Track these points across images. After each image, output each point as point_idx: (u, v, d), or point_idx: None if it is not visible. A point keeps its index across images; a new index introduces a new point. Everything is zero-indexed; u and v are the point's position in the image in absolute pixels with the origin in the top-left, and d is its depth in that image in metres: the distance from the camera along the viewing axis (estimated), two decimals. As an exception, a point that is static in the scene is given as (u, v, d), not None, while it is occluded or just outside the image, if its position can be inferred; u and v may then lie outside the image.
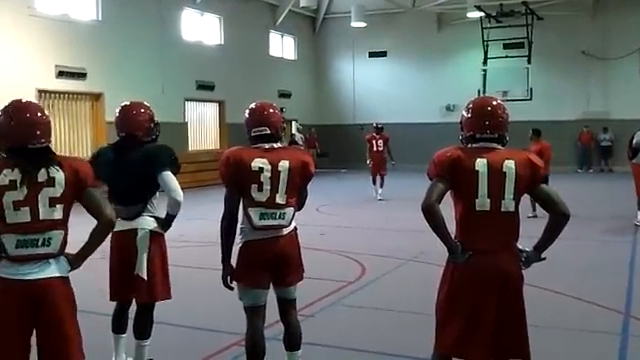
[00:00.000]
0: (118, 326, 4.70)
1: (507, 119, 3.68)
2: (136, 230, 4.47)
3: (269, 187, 4.00)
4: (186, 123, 21.39)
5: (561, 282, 7.26)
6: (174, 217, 4.57)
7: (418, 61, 27.41)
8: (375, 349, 5.38)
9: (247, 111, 4.23)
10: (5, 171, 3.22)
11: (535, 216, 8.71)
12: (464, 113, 3.74)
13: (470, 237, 3.55)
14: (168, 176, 4.47)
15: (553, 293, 6.93)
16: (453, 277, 3.60)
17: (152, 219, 4.54)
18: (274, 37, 26.89)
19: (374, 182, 16.63)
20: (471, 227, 3.55)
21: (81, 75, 17.27)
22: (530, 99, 22.76)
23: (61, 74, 16.74)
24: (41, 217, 3.25)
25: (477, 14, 23.56)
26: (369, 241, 10.54)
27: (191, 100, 21.87)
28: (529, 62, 23.09)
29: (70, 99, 17.34)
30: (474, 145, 3.64)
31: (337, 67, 29.46)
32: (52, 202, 3.27)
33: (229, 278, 4.10)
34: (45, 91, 16.41)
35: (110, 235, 4.37)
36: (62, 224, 3.31)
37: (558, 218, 3.56)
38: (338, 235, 11.18)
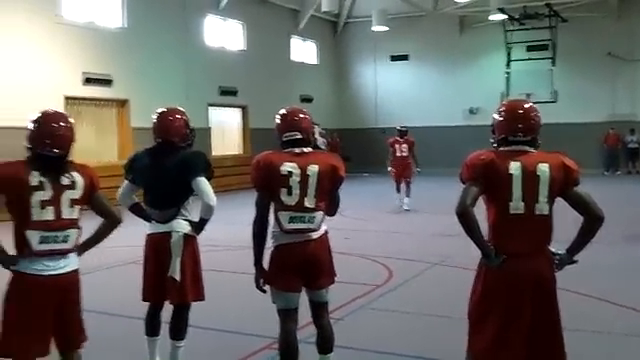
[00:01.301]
0: (151, 329, 4.78)
1: (539, 122, 3.68)
2: (170, 233, 4.57)
3: (298, 191, 4.04)
4: (209, 128, 21.53)
5: (590, 285, 7.20)
6: (207, 221, 4.64)
7: (440, 64, 27.34)
8: (405, 352, 5.39)
9: (278, 116, 4.27)
10: (34, 173, 3.58)
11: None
12: (496, 116, 3.73)
13: (504, 240, 3.54)
14: (202, 182, 4.55)
15: (582, 296, 6.88)
16: (486, 280, 3.59)
17: (186, 222, 4.63)
18: (296, 42, 27.00)
19: (398, 190, 15.03)
20: (505, 230, 3.54)
21: (107, 82, 17.49)
22: (555, 101, 22.60)
23: (88, 81, 16.98)
24: (63, 216, 3.63)
25: (500, 16, 23.46)
26: (395, 245, 10.54)
27: (214, 105, 22.02)
28: (553, 64, 22.96)
29: (96, 105, 17.56)
30: (506, 148, 3.62)
31: (359, 71, 29.48)
32: (72, 203, 3.68)
33: (262, 281, 4.15)
34: (72, 98, 16.63)
35: (145, 238, 4.58)
36: (78, 223, 3.74)
37: (592, 221, 3.53)
38: (363, 239, 11.19)
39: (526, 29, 23.44)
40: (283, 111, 4.30)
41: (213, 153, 21.53)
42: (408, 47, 27.95)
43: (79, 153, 17.96)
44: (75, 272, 3.74)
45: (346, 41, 29.57)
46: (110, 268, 8.76)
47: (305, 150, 4.16)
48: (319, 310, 4.29)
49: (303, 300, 4.25)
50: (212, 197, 4.54)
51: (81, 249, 3.80)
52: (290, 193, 4.03)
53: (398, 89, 28.06)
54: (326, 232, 4.23)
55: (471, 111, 26.74)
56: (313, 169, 4.06)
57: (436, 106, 27.01)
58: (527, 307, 3.48)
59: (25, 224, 3.56)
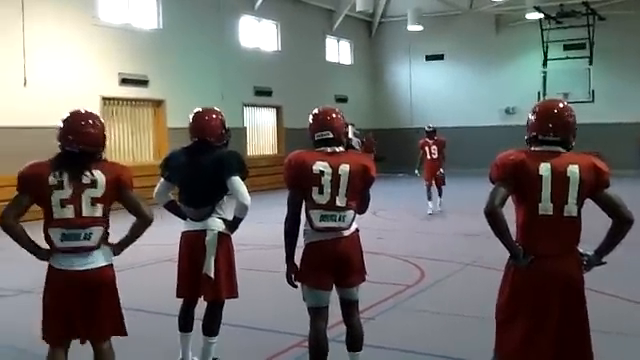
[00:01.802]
0: (185, 324, 4.84)
1: (572, 122, 3.64)
2: (205, 231, 4.63)
3: (329, 190, 4.09)
4: (245, 128, 21.69)
5: (619, 286, 7.10)
6: (241, 220, 4.70)
7: (476, 64, 27.13)
8: (435, 352, 5.39)
9: (311, 116, 4.32)
10: (54, 172, 3.69)
11: None
12: (530, 114, 3.72)
13: (532, 241, 3.53)
14: (237, 181, 4.61)
15: (610, 297, 6.79)
16: (514, 280, 3.59)
17: (220, 221, 4.70)
18: (330, 42, 27.03)
19: (429, 197, 14.01)
20: (533, 231, 3.53)
21: (143, 82, 17.73)
22: (592, 101, 22.28)
23: (124, 81, 17.22)
24: (83, 214, 3.70)
25: (536, 15, 23.22)
26: (427, 245, 10.51)
27: (249, 106, 22.17)
28: (590, 63, 22.64)
29: (133, 106, 17.81)
30: (537, 148, 3.61)
31: (393, 71, 29.39)
32: (93, 201, 3.73)
33: (293, 277, 4.21)
34: (109, 98, 16.90)
35: (180, 235, 4.67)
36: (102, 221, 3.78)
37: (621, 224, 3.52)
38: (396, 239, 11.19)
39: (563, 27, 23.16)
40: (316, 111, 4.35)
41: (248, 153, 21.69)
42: (443, 46, 27.78)
43: (115, 152, 18.30)
44: (105, 268, 3.82)
45: (381, 41, 29.50)
46: (145, 266, 8.90)
47: (337, 149, 4.20)
48: (349, 308, 4.31)
49: (334, 298, 4.28)
50: (246, 196, 4.60)
51: (117, 248, 3.90)
52: (322, 192, 4.08)
53: (433, 89, 27.92)
54: (357, 230, 4.26)
55: (507, 111, 26.47)
56: (344, 168, 4.10)
57: (472, 106, 26.81)
58: (555, 307, 3.47)
59: (48, 222, 3.71)
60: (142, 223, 3.88)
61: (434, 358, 5.33)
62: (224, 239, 4.70)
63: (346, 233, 4.16)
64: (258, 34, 22.78)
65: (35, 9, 14.95)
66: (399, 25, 27.52)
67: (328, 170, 4.08)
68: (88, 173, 3.71)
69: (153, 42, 18.21)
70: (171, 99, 18.27)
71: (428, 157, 14.19)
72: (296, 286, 4.27)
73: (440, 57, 28.14)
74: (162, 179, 4.87)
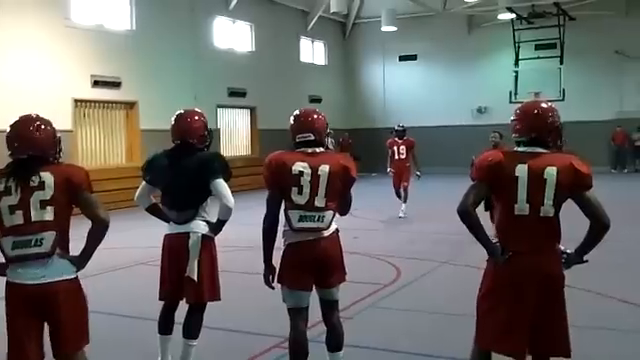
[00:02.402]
0: (164, 327, 4.81)
1: (552, 123, 3.68)
2: (188, 234, 4.61)
3: (309, 190, 4.09)
4: (218, 129, 21.60)
5: (600, 283, 7.20)
6: (225, 222, 4.70)
7: (449, 64, 27.33)
8: (414, 350, 5.42)
9: (292, 117, 4.31)
10: (2, 179, 3.56)
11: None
12: (512, 116, 3.78)
13: (509, 239, 3.61)
14: (220, 183, 4.60)
15: (594, 294, 6.90)
16: (493, 275, 3.67)
17: (204, 223, 4.67)
18: (305, 43, 27.04)
19: (398, 195, 13.72)
20: (510, 230, 3.61)
21: (116, 84, 17.56)
22: (563, 100, 22.54)
23: (96, 83, 17.04)
24: (33, 219, 3.51)
25: (508, 16, 23.43)
26: (403, 244, 10.57)
27: (223, 107, 22.08)
28: (561, 63, 22.91)
29: (105, 108, 17.64)
30: (519, 149, 3.68)
31: (367, 71, 29.50)
32: (42, 204, 3.52)
33: (271, 278, 4.20)
34: (81, 100, 16.73)
35: (163, 238, 4.64)
36: (54, 226, 3.54)
37: (598, 228, 3.56)
38: (372, 238, 11.22)
39: (534, 28, 23.42)
40: (297, 112, 4.35)
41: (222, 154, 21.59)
42: (416, 47, 27.94)
43: (87, 155, 18.11)
44: (61, 283, 3.54)
45: (355, 41, 29.60)
46: (121, 269, 8.82)
47: (317, 150, 4.21)
48: (329, 308, 4.32)
49: (313, 298, 4.29)
50: (230, 198, 4.59)
51: (78, 260, 3.62)
52: (301, 192, 4.08)
53: (406, 89, 28.05)
54: (337, 231, 4.27)
55: (479, 110, 26.73)
56: (324, 169, 4.11)
57: (444, 106, 26.99)
58: (531, 301, 3.54)
59: (1, 231, 3.56)
60: (97, 228, 3.57)
61: (413, 356, 5.36)
62: (207, 242, 4.67)
63: (325, 233, 4.17)
64: (232, 35, 22.71)
65: (5, 10, 14.74)
66: (373, 26, 27.61)
67: (307, 171, 4.08)
68: (35, 176, 3.52)
69: (126, 44, 18.04)
70: (144, 101, 18.11)
71: (396, 157, 13.74)
72: (274, 287, 4.26)
73: (413, 57, 28.30)
74: (143, 182, 4.83)
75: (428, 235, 11.50)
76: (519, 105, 3.87)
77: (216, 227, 4.71)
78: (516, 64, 23.65)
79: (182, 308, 4.78)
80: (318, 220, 4.11)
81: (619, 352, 5.40)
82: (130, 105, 18.20)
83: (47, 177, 3.53)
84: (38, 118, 3.74)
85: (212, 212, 4.73)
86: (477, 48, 26.74)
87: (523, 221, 3.54)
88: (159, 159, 4.81)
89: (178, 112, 4.85)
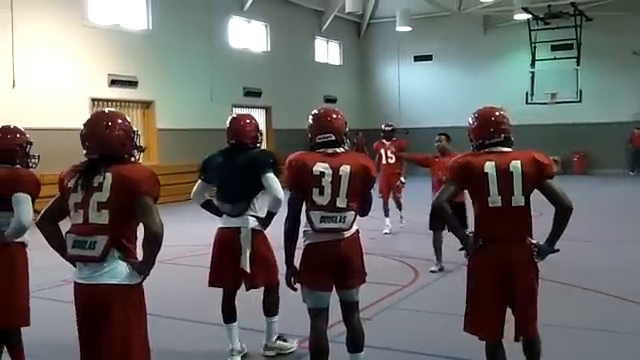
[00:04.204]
0: (229, 316, 5.19)
1: (509, 124, 4.14)
2: (239, 229, 4.98)
3: (330, 191, 4.09)
4: (234, 129, 21.60)
5: (614, 285, 7.16)
6: (274, 214, 5.01)
7: (464, 64, 27.23)
8: (432, 352, 5.43)
9: (311, 117, 4.32)
10: (74, 176, 3.49)
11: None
12: (470, 122, 4.18)
13: (484, 228, 3.99)
14: (271, 177, 4.94)
15: (604, 295, 6.85)
16: (472, 267, 4.08)
17: (253, 218, 5.04)
18: (319, 43, 27.05)
19: (385, 212, 11.61)
20: (485, 220, 3.99)
21: (133, 83, 17.66)
22: (580, 101, 22.43)
23: (113, 83, 17.15)
24: (89, 221, 3.39)
25: (524, 16, 23.31)
26: (420, 245, 10.47)
27: (238, 106, 22.10)
28: (578, 64, 22.76)
29: (122, 107, 17.70)
30: (485, 150, 4.06)
31: (382, 71, 29.45)
32: (99, 207, 3.37)
33: (293, 279, 4.20)
34: (98, 99, 16.80)
35: (216, 231, 5.04)
36: (109, 230, 3.35)
37: (563, 211, 3.91)
38: (389, 239, 11.19)
39: (551, 28, 23.27)
40: (316, 112, 4.36)
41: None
42: (432, 47, 27.86)
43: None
44: (114, 287, 3.35)
45: (370, 42, 29.56)
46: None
47: (337, 150, 4.21)
48: (349, 310, 4.31)
49: (333, 298, 4.28)
50: (280, 191, 4.90)
51: (141, 269, 3.40)
52: (322, 193, 4.09)
53: (421, 89, 27.98)
54: (357, 232, 4.26)
55: (495, 111, 26.60)
56: (345, 169, 4.10)
57: (460, 106, 26.66)
58: (505, 286, 3.92)
59: (69, 227, 3.50)
60: (147, 238, 3.33)
61: (431, 357, 5.36)
62: (257, 234, 5.04)
63: (346, 234, 4.16)
64: (247, 35, 22.76)
65: (24, 10, 14.85)
66: (388, 26, 27.56)
67: (328, 171, 4.08)
68: (99, 176, 3.39)
69: (142, 43, 18.14)
70: (160, 100, 18.20)
71: (383, 162, 11.61)
72: (296, 289, 4.26)
73: (428, 58, 28.21)
74: (200, 180, 5.26)
75: (446, 236, 11.42)
76: (477, 114, 4.21)
77: (265, 220, 5.06)
78: (532, 65, 23.52)
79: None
80: (340, 221, 4.10)
81: (621, 353, 5.37)
82: (147, 104, 18.27)
83: (107, 178, 3.38)
84: (109, 116, 3.65)
85: (262, 207, 5.09)
86: (493, 48, 26.62)
87: (497, 212, 3.93)
88: (214, 158, 5.23)
89: (232, 116, 5.39)
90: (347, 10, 24.09)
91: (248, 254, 4.96)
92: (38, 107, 14.61)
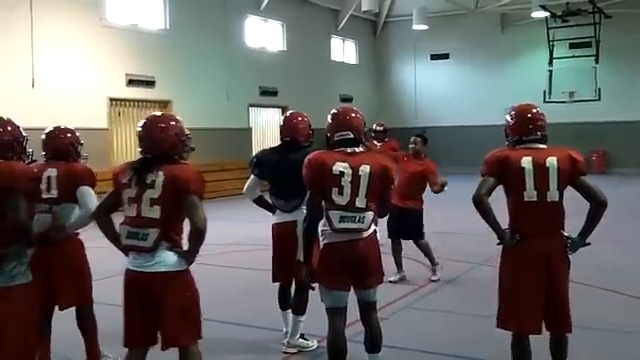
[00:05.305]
0: (283, 304, 5.45)
1: (546, 121, 4.22)
2: (295, 222, 5.07)
3: (349, 191, 4.08)
4: (250, 129, 21.69)
5: (633, 285, 7.11)
6: None
7: (481, 63, 27.10)
8: (448, 352, 5.41)
9: (330, 116, 4.32)
10: (128, 171, 3.82)
11: None
12: (508, 119, 4.27)
13: (519, 223, 4.05)
14: None
15: (621, 295, 6.80)
16: (505, 259, 4.13)
17: None
18: (336, 42, 27.04)
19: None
20: (521, 215, 4.06)
21: (150, 83, 17.76)
22: (598, 99, 22.25)
23: (131, 82, 17.26)
24: (142, 214, 3.73)
25: (542, 14, 23.14)
26: (438, 245, 10.45)
27: (255, 106, 22.18)
28: (597, 62, 22.53)
29: (139, 106, 17.81)
30: (520, 146, 4.13)
31: (398, 70, 29.39)
32: (151, 202, 3.72)
33: (311, 278, 4.22)
34: (116, 99, 16.93)
35: (271, 226, 5.34)
36: (160, 224, 3.71)
37: (597, 206, 4.00)
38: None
39: (569, 26, 23.06)
40: (334, 110, 4.36)
41: (254, 153, 21.67)
42: (448, 46, 27.76)
43: (121, 153, 18.27)
44: (164, 274, 3.69)
45: (386, 40, 29.51)
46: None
47: (357, 150, 4.20)
48: (367, 309, 4.32)
49: (351, 298, 4.28)
50: None
51: (187, 257, 3.75)
52: (341, 193, 4.08)
53: (438, 88, 27.89)
54: (375, 232, 4.26)
55: (512, 110, 26.44)
56: (365, 169, 4.10)
57: (477, 105, 26.76)
58: (542, 279, 3.98)
59: (123, 219, 3.83)
60: (193, 232, 3.70)
61: (448, 357, 5.35)
62: None
63: (365, 234, 4.16)
64: (264, 34, 22.80)
65: (43, 10, 14.97)
66: (404, 24, 27.49)
67: (348, 171, 4.07)
68: (152, 174, 3.73)
69: (160, 43, 18.24)
70: (177, 100, 18.26)
71: None
72: (314, 288, 4.27)
73: (445, 56, 28.10)
74: (252, 176, 5.40)
75: (463, 236, 11.41)
76: (515, 110, 4.27)
77: None
78: (550, 63, 23.35)
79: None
80: (359, 221, 4.09)
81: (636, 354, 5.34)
82: (164, 104, 18.34)
83: (160, 177, 3.72)
84: (164, 118, 3.98)
85: None
86: (510, 47, 26.47)
87: (533, 206, 4.00)
88: (267, 155, 5.44)
89: (285, 114, 5.51)
90: (363, 9, 24.07)
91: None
92: (57, 107, 14.72)
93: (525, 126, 4.15)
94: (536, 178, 3.98)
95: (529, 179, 3.98)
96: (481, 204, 4.00)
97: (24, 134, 4.19)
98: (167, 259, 3.72)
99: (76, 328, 4.83)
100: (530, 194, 3.99)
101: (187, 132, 3.96)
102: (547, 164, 3.99)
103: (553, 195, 4.00)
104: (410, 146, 8.24)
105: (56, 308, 4.69)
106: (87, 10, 16.16)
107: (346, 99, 26.09)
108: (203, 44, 19.57)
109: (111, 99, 16.71)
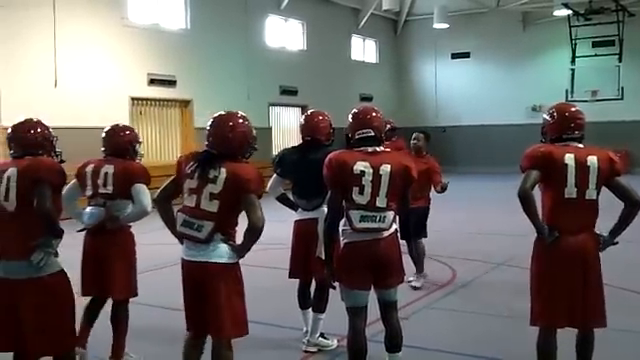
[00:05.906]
0: (303, 303, 5.47)
1: (585, 121, 4.27)
2: (317, 219, 5.12)
3: (370, 190, 4.08)
4: (270, 128, 21.73)
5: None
6: None
7: (503, 61, 26.89)
8: (468, 352, 5.39)
9: (350, 115, 4.33)
10: (191, 163, 3.95)
11: None
12: (547, 118, 4.30)
13: (558, 220, 4.08)
14: None
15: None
16: (542, 255, 4.13)
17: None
18: (356, 41, 26.99)
19: None
20: (559, 211, 4.08)
21: (171, 82, 17.85)
22: (621, 98, 22.02)
23: (152, 82, 17.36)
24: (200, 206, 3.85)
25: (564, 12, 22.95)
26: (458, 245, 10.44)
27: (275, 105, 22.22)
28: (620, 60, 22.30)
29: (161, 106, 17.94)
30: (560, 144, 4.16)
31: (419, 69, 29.26)
32: (211, 197, 3.83)
33: (332, 277, 4.22)
34: (137, 98, 17.05)
35: (293, 224, 5.40)
36: (216, 218, 3.82)
37: (632, 206, 4.10)
38: (427, 238, 11.09)
39: (591, 24, 22.83)
40: (356, 110, 4.38)
41: (274, 152, 21.74)
42: (469, 45, 27.58)
43: (143, 152, 18.15)
44: (214, 265, 3.81)
45: (406, 39, 29.39)
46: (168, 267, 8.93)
47: (377, 149, 4.20)
48: (388, 309, 4.32)
49: (371, 297, 4.28)
50: None
51: (239, 250, 3.88)
52: (362, 192, 4.08)
53: (459, 87, 27.70)
54: (396, 231, 4.25)
55: (534, 109, 26.09)
56: (386, 169, 4.09)
57: (498, 104, 26.58)
58: (579, 277, 4.05)
59: (181, 207, 3.96)
60: (250, 229, 3.79)
61: (467, 357, 5.33)
62: None
63: (385, 234, 4.16)
64: (284, 33, 22.83)
65: (66, 10, 15.10)
66: (425, 23, 27.38)
67: (369, 170, 4.07)
68: (215, 170, 3.83)
69: (181, 42, 18.33)
70: (198, 99, 18.37)
71: None
72: (335, 287, 4.28)
73: (466, 55, 27.92)
74: (275, 175, 5.45)
75: (484, 236, 11.36)
76: (555, 109, 4.31)
77: None
78: (572, 62, 23.13)
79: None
80: (379, 220, 4.09)
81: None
82: (185, 103, 18.45)
83: (222, 173, 3.83)
84: (233, 118, 4.05)
85: None
86: (532, 45, 26.23)
87: (571, 203, 4.05)
88: (289, 155, 5.49)
89: (306, 113, 5.55)
90: (384, 7, 24.04)
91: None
92: (79, 106, 14.86)
93: (566, 124, 4.20)
94: (577, 176, 4.03)
95: (571, 176, 4.02)
96: (527, 198, 4.00)
97: (53, 134, 4.33)
98: (220, 251, 3.83)
99: (99, 324, 4.89)
100: (570, 191, 4.04)
101: (254, 132, 4.06)
102: (588, 162, 4.05)
103: (591, 193, 4.06)
104: (412, 142, 7.92)
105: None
106: (109, 10, 16.28)
107: (366, 98, 26.03)
108: (223, 43, 19.64)
109: (133, 98, 16.83)
